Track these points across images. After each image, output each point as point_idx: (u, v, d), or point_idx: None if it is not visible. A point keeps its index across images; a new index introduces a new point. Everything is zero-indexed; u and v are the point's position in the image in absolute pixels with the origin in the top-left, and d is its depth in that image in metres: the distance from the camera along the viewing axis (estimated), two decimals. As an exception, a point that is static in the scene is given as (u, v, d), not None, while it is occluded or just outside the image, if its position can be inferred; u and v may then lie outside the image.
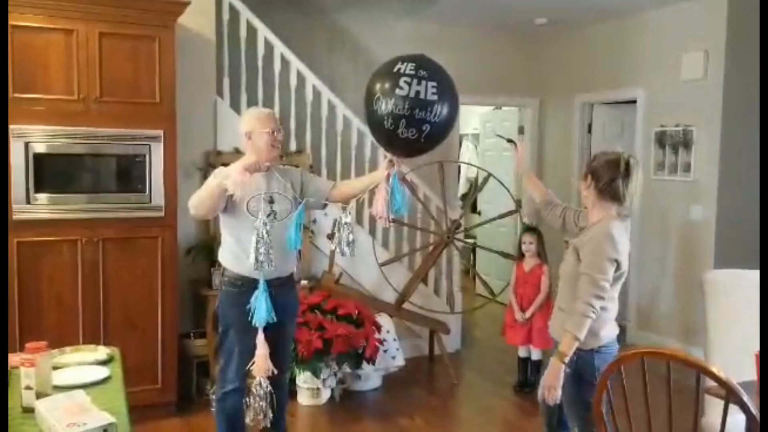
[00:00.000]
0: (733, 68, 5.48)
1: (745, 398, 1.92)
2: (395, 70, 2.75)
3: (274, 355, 3.19)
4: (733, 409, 1.98)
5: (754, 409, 1.96)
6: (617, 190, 2.77)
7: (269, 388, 3.12)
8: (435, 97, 2.71)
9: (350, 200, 3.25)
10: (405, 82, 2.69)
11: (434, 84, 2.73)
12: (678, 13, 5.85)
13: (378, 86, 2.77)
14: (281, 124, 3.39)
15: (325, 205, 3.56)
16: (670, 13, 5.92)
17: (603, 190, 2.79)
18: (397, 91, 2.68)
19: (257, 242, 2.90)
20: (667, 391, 2.02)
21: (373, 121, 2.82)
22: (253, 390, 3.11)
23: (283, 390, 3.42)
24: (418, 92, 2.67)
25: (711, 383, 2.08)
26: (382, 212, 2.92)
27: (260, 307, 3.05)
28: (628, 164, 2.78)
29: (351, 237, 2.92)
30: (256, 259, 2.90)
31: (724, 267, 4.57)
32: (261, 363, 3.12)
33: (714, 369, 1.95)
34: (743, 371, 2.76)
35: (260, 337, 3.10)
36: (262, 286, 3.05)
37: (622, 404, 2.07)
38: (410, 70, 2.72)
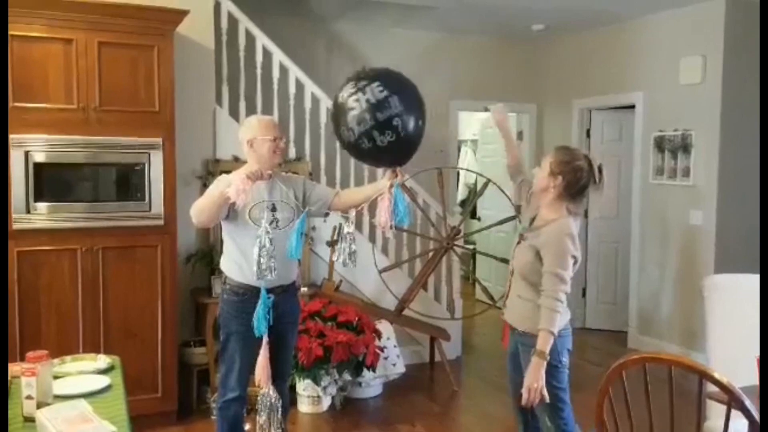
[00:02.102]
0: (731, 73, 5.49)
1: (747, 403, 1.91)
2: (339, 102, 2.82)
3: (275, 363, 3.20)
4: (736, 414, 1.98)
5: (756, 414, 1.96)
6: (583, 198, 2.91)
7: (274, 399, 3.13)
8: (385, 92, 2.72)
9: (352, 209, 3.26)
10: (353, 101, 2.73)
11: (378, 83, 2.75)
12: (676, 18, 5.87)
13: (337, 125, 2.84)
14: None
15: (327, 214, 3.56)
16: (668, 19, 5.94)
17: (571, 194, 2.88)
18: (351, 114, 2.72)
19: (260, 251, 2.90)
20: (670, 397, 2.01)
21: (356, 152, 2.88)
22: (259, 402, 3.14)
23: (283, 397, 3.42)
24: (368, 100, 2.70)
25: (713, 388, 2.08)
26: (386, 222, 2.92)
27: (260, 317, 3.05)
28: (601, 174, 2.90)
29: (353, 247, 2.92)
30: (259, 268, 2.90)
31: (724, 271, 4.59)
32: (261, 371, 3.13)
33: (716, 374, 1.95)
34: (745, 376, 2.75)
35: (264, 344, 3.10)
36: (263, 296, 3.05)
37: (624, 409, 2.07)
38: (350, 89, 2.77)
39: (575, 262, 2.87)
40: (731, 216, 5.54)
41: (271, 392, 3.14)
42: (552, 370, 2.80)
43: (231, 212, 3.11)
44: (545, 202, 2.95)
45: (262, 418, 3.13)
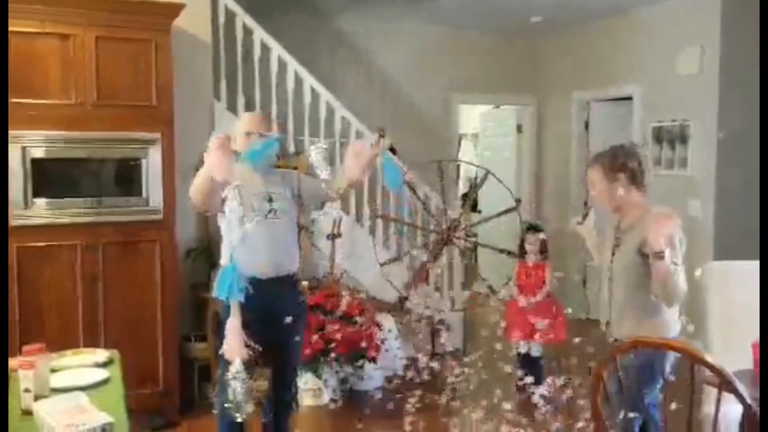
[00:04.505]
0: (729, 63, 5.48)
1: (739, 386, 1.92)
2: None
3: (281, 354, 3.20)
4: (733, 400, 1.98)
5: (749, 398, 1.97)
6: (646, 175, 2.81)
7: (246, 378, 2.79)
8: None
9: (349, 190, 3.29)
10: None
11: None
12: (673, 9, 5.86)
13: None
14: (281, 128, 3.39)
15: (323, 204, 3.56)
16: (665, 9, 5.93)
17: (637, 183, 2.81)
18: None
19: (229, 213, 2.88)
20: (660, 379, 2.02)
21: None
22: (229, 379, 2.70)
23: (288, 390, 3.41)
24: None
25: (709, 373, 2.08)
26: (353, 170, 3.06)
27: (226, 282, 2.96)
28: (639, 151, 2.86)
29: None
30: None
31: (723, 260, 4.58)
32: (232, 339, 2.94)
33: (708, 358, 1.95)
34: (743, 361, 2.77)
35: (233, 310, 3.00)
36: (232, 263, 2.98)
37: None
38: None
39: (682, 246, 2.72)
40: (729, 205, 5.54)
41: (240, 368, 2.91)
42: (649, 378, 2.58)
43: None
44: (622, 207, 2.87)
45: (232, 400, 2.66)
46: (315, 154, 3.05)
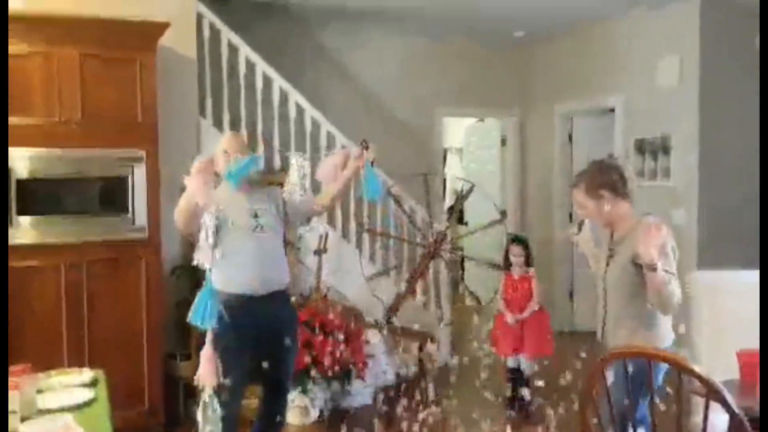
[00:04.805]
0: (708, 73, 5.55)
1: (726, 396, 1.93)
2: None
3: (273, 372, 3.19)
4: (721, 409, 1.99)
5: (736, 407, 1.98)
6: (630, 191, 2.82)
7: (218, 407, 2.89)
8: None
9: (335, 203, 3.33)
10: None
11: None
12: (652, 21, 5.93)
13: None
14: (266, 144, 3.42)
15: (308, 219, 3.58)
16: (645, 22, 6.00)
17: (622, 194, 2.82)
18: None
19: (206, 231, 2.94)
20: (650, 389, 2.03)
21: None
22: (200, 407, 2.62)
23: (279, 408, 3.39)
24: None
25: (697, 383, 2.09)
26: (326, 175, 3.24)
27: (202, 307, 3.01)
28: (616, 163, 2.88)
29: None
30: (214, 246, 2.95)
31: (707, 270, 4.61)
32: (204, 366, 3.03)
33: (696, 368, 1.97)
34: (730, 370, 2.79)
35: (208, 337, 3.05)
36: (208, 285, 3.03)
37: (605, 404, 2.09)
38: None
39: (675, 254, 2.73)
40: (712, 215, 5.59)
41: (210, 396, 2.87)
42: (641, 387, 2.45)
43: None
44: (612, 221, 2.88)
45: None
46: (293, 171, 3.09)
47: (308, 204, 3.41)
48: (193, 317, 3.06)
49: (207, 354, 3.10)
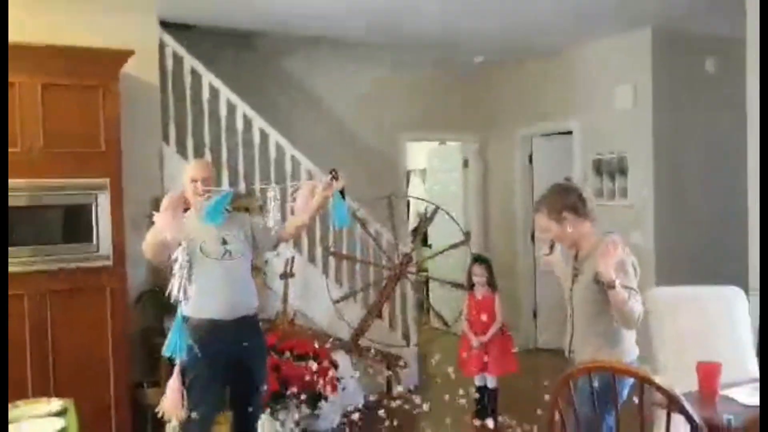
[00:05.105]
0: (660, 98, 5.77)
1: (686, 404, 2.01)
2: None
3: (241, 399, 3.20)
4: (684, 422, 2.06)
5: (697, 418, 2.06)
6: (590, 209, 2.91)
7: None
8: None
9: (301, 231, 3.37)
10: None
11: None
12: (607, 48, 6.14)
13: None
14: (231, 169, 3.45)
15: (275, 246, 3.60)
16: (600, 49, 6.21)
17: (582, 214, 2.90)
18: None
19: (179, 269, 2.96)
20: (614, 402, 2.10)
21: None
22: None
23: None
24: None
25: (659, 396, 2.17)
26: (306, 212, 3.26)
27: (176, 339, 3.04)
28: (575, 185, 3.02)
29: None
30: (179, 287, 2.95)
31: (665, 285, 4.74)
32: (170, 397, 3.05)
33: (656, 379, 2.04)
34: (690, 381, 2.87)
35: (176, 370, 3.07)
36: (178, 319, 3.07)
37: (572, 418, 2.15)
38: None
39: (635, 272, 2.81)
40: (668, 233, 5.77)
41: (175, 428, 2.97)
42: (607, 401, 2.45)
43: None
44: (576, 242, 2.96)
45: None
46: (270, 204, 3.13)
47: (274, 239, 3.45)
48: (166, 349, 3.08)
49: (174, 385, 3.11)
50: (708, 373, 2.69)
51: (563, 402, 2.17)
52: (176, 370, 3.07)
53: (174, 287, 3.05)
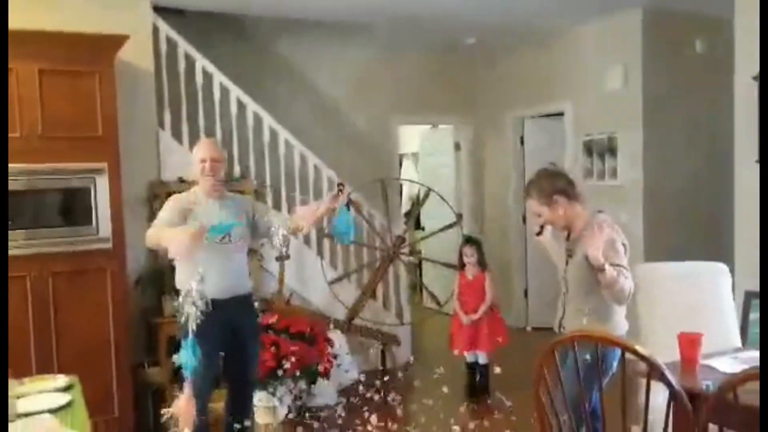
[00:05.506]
0: (650, 78, 5.84)
1: (665, 371, 2.11)
2: None
3: (237, 375, 3.30)
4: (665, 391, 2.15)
5: (674, 381, 2.16)
6: (577, 187, 3.04)
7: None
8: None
9: (297, 234, 3.44)
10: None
11: None
12: (598, 29, 6.21)
13: None
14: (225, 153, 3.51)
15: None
16: (591, 31, 6.28)
17: (572, 196, 3.02)
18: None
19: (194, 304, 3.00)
20: (597, 372, 2.20)
21: None
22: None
23: (246, 405, 3.51)
24: None
25: (643, 366, 2.25)
26: (308, 218, 3.29)
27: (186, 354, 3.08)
28: (561, 170, 3.13)
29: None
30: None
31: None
32: (184, 407, 2.91)
33: (637, 347, 2.15)
34: (674, 353, 2.98)
35: (186, 385, 3.07)
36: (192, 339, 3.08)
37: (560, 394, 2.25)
38: None
39: (625, 249, 2.92)
40: (657, 211, 5.87)
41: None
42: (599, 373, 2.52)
43: None
44: (568, 224, 3.05)
45: None
46: (275, 237, 3.21)
47: (284, 230, 3.56)
48: (179, 360, 3.14)
49: (187, 395, 3.17)
50: (689, 343, 2.80)
51: (549, 372, 2.27)
52: (187, 383, 3.12)
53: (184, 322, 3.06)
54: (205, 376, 3.24)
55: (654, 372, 2.14)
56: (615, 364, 2.81)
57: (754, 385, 1.94)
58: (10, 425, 2.22)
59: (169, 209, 3.27)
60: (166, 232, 3.07)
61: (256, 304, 4.82)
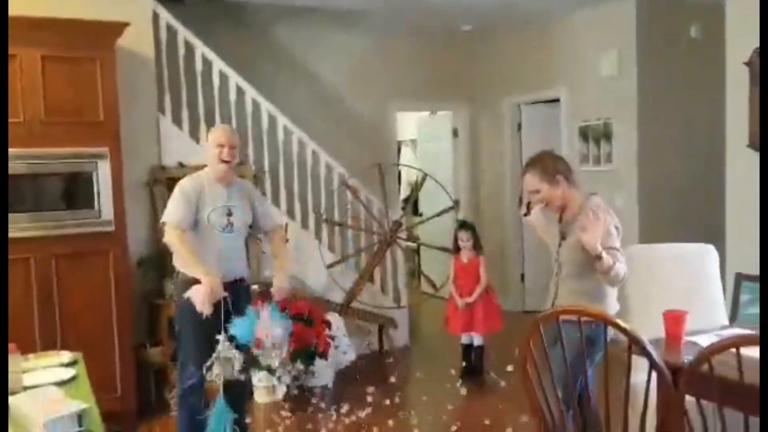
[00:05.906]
0: (644, 64, 5.91)
1: (648, 346, 2.19)
2: None
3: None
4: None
5: (656, 357, 2.25)
6: (574, 174, 3.14)
7: (232, 348, 3.23)
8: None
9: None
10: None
11: None
12: (592, 16, 6.26)
13: None
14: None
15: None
16: (585, 17, 6.33)
17: (571, 178, 3.11)
18: None
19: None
20: (580, 347, 2.27)
21: None
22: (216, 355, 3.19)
23: (242, 386, 3.62)
24: None
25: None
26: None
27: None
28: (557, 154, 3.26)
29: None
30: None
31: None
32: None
33: (619, 321, 2.23)
34: (660, 333, 3.06)
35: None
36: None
37: (544, 362, 2.34)
38: None
39: (618, 232, 3.00)
40: (651, 195, 5.95)
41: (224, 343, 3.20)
42: (591, 351, 2.66)
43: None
44: (564, 204, 3.13)
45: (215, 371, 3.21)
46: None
47: (264, 229, 3.77)
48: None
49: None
50: (673, 319, 2.87)
51: (535, 347, 2.35)
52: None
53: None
54: (198, 347, 3.34)
55: (636, 346, 2.22)
56: (603, 339, 2.89)
57: (729, 357, 2.02)
58: (18, 395, 2.31)
59: (180, 202, 3.37)
60: (190, 263, 3.28)
61: (255, 287, 4.96)
